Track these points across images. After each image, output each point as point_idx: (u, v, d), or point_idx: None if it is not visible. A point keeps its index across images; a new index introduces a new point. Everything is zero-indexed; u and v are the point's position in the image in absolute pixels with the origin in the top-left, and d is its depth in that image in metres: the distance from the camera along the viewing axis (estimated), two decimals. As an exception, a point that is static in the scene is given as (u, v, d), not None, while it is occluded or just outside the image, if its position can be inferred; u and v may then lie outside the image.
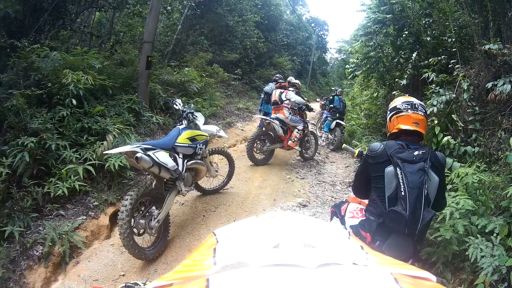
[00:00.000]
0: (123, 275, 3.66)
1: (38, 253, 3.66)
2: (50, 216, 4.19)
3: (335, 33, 54.70)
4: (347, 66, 11.90)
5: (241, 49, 18.39)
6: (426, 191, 2.18)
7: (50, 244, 3.71)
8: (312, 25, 39.48)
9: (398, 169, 2.21)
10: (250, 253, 0.70)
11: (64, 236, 3.86)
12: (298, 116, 7.55)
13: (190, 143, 4.41)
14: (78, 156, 4.81)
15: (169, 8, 10.71)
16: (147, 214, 3.84)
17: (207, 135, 4.79)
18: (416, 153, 2.25)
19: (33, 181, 4.23)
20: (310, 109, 8.01)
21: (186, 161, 4.35)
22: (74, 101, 5.31)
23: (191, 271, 0.70)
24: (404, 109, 2.43)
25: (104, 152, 4.41)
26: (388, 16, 8.46)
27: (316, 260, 0.63)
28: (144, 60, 7.33)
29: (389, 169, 2.25)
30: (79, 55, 6.46)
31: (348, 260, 0.69)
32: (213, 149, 5.37)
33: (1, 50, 5.91)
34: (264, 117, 7.59)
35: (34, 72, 5.56)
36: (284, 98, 7.46)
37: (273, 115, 7.45)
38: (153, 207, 3.94)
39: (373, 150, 2.36)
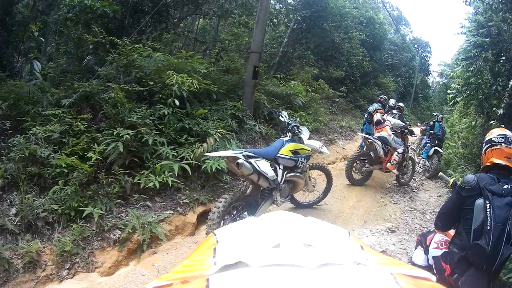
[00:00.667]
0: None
1: (115, 236, 3.76)
2: (135, 205, 4.30)
3: (436, 55, 51.86)
4: (448, 91, 11.83)
5: (346, 66, 18.03)
6: (509, 227, 2.19)
7: (130, 230, 3.80)
8: (415, 46, 37.92)
9: (487, 202, 2.24)
10: (250, 253, 0.67)
11: (146, 226, 3.92)
12: (400, 139, 7.53)
13: (292, 155, 4.39)
14: (175, 154, 4.88)
15: (275, 20, 10.74)
16: (238, 218, 3.87)
17: (310, 149, 4.73)
18: (505, 186, 2.28)
19: (124, 170, 4.35)
20: (412, 132, 7.95)
21: (286, 172, 4.35)
22: (176, 102, 5.38)
23: (191, 271, 0.68)
24: (498, 142, 2.46)
25: (205, 154, 4.62)
26: (486, 39, 7.95)
27: (316, 260, 0.61)
28: (250, 70, 7.40)
29: (479, 201, 2.28)
30: (183, 59, 6.69)
31: (348, 260, 0.65)
32: (314, 164, 5.31)
33: (100, 45, 6.32)
34: (367, 135, 7.52)
35: (135, 69, 5.79)
36: (385, 118, 7.68)
37: (376, 135, 7.43)
38: (245, 213, 3.99)
39: (467, 182, 2.38)
